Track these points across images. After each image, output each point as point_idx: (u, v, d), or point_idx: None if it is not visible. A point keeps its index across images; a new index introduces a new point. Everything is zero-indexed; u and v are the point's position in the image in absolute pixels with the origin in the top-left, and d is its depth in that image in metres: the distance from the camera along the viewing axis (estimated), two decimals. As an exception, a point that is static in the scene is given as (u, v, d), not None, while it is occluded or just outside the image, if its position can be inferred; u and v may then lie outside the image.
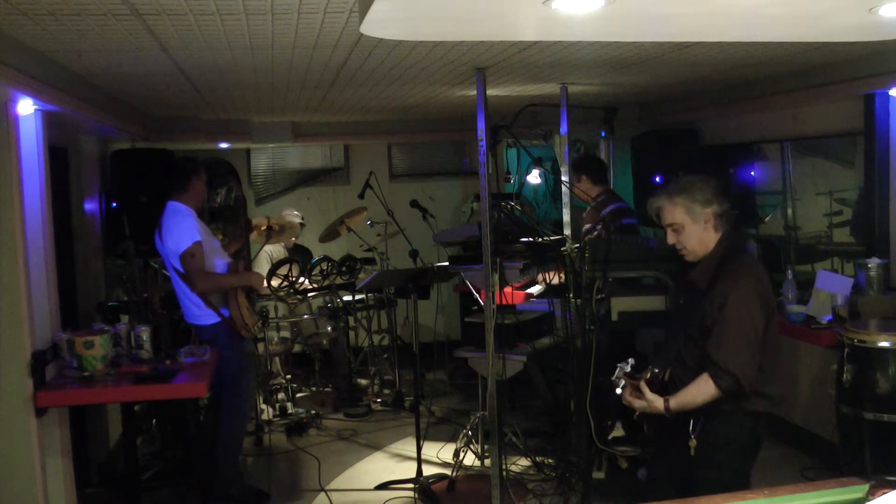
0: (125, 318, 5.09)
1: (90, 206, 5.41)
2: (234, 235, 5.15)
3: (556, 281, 4.66)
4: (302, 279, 6.52)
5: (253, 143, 7.45)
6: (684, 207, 3.04)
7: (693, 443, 2.94)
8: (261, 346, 6.24)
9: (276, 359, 6.95)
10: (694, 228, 3.04)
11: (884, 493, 2.00)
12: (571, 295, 4.50)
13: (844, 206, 5.58)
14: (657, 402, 2.94)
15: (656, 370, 3.04)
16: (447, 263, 5.22)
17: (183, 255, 4.45)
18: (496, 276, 4.24)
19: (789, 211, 6.08)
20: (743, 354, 2.85)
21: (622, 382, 2.99)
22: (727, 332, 2.87)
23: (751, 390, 2.88)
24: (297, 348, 7.07)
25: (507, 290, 4.81)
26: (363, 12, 2.11)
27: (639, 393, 2.99)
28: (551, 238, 4.61)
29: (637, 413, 3.07)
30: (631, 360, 2.99)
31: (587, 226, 5.15)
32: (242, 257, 4.95)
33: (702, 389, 2.88)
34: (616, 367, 3.04)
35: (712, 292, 2.94)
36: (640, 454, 4.47)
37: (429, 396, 6.82)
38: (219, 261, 4.71)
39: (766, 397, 2.95)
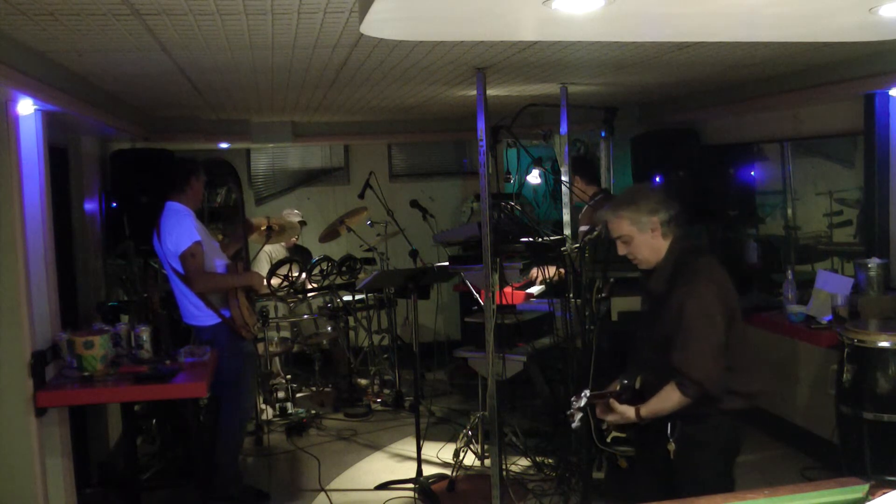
0: (125, 318, 5.09)
1: (90, 206, 5.40)
2: (234, 237, 5.15)
3: (555, 277, 4.66)
4: (302, 275, 6.52)
5: (253, 143, 7.45)
6: (629, 219, 3.03)
7: (672, 446, 2.94)
8: (261, 346, 6.24)
9: (276, 359, 6.95)
10: (642, 238, 3.03)
11: (884, 493, 2.00)
12: (571, 295, 4.51)
13: (844, 206, 5.58)
14: (628, 412, 2.94)
15: (625, 381, 3.04)
16: (447, 263, 5.22)
17: (183, 255, 4.45)
18: (496, 276, 4.24)
19: (789, 211, 6.08)
20: (706, 361, 2.83)
21: (579, 415, 2.98)
22: (687, 340, 2.85)
23: (719, 393, 2.86)
24: (297, 348, 7.07)
25: (507, 290, 4.82)
26: (363, 12, 2.11)
27: (609, 408, 2.99)
28: (551, 238, 4.62)
29: (606, 425, 3.08)
30: (586, 392, 2.98)
31: (584, 227, 5.15)
32: (241, 258, 4.96)
33: (669, 398, 2.88)
34: (571, 401, 3.04)
35: (670, 299, 2.94)
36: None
37: (429, 396, 6.82)
38: (218, 261, 4.71)
39: (740, 395, 2.94)
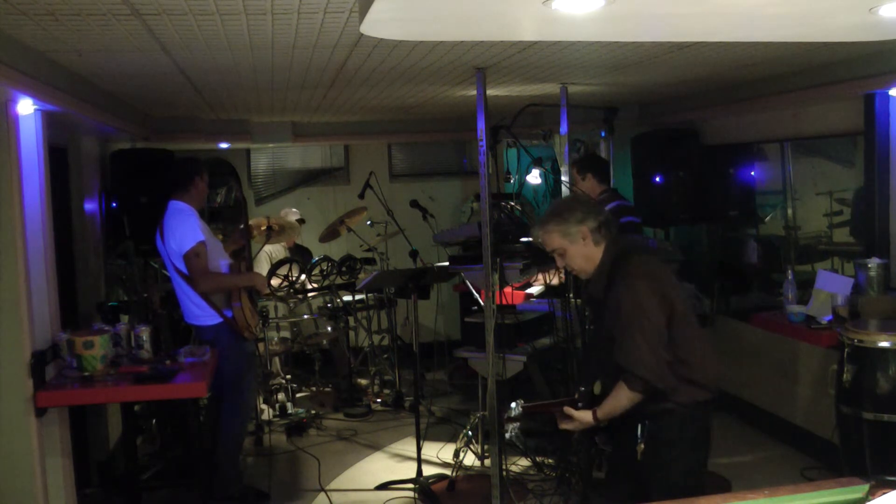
0: (125, 318, 5.09)
1: (90, 206, 5.40)
2: (234, 237, 5.15)
3: (555, 281, 4.67)
4: (302, 276, 6.52)
5: (253, 143, 7.45)
6: (559, 232, 3.06)
7: (641, 447, 2.94)
8: (261, 346, 6.24)
9: (276, 359, 6.94)
10: (575, 248, 3.05)
11: (884, 493, 2.00)
12: (571, 295, 4.51)
13: (844, 206, 5.58)
14: (586, 416, 2.96)
15: (582, 388, 3.05)
16: (447, 263, 5.22)
17: (187, 255, 4.45)
18: (496, 276, 4.24)
19: (789, 211, 6.08)
20: (647, 355, 2.84)
21: (511, 426, 2.99)
22: (627, 337, 2.87)
23: (667, 385, 2.87)
24: (297, 348, 7.07)
25: (507, 290, 4.81)
26: (363, 12, 2.11)
27: (566, 417, 3.00)
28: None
29: (575, 435, 3.10)
30: (519, 401, 2.99)
31: None
32: (244, 258, 4.96)
33: (620, 396, 2.89)
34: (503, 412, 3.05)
35: (608, 300, 2.97)
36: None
37: (429, 396, 6.82)
38: (222, 261, 4.71)
39: (698, 385, 2.94)
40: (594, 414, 2.95)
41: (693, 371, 2.93)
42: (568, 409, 2.99)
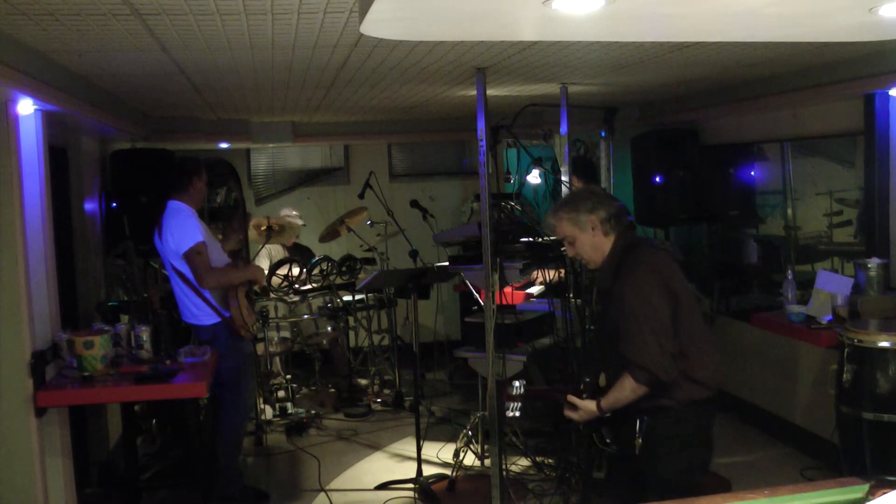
0: (125, 318, 5.09)
1: (90, 206, 5.41)
2: (231, 230, 5.15)
3: (554, 279, 4.66)
4: (302, 273, 6.52)
5: (253, 143, 7.45)
6: (570, 220, 3.12)
7: (638, 442, 2.97)
8: (261, 346, 6.24)
9: (276, 359, 6.95)
10: (584, 237, 3.11)
11: (884, 493, 2.00)
12: (571, 295, 4.51)
13: (844, 206, 5.58)
14: (590, 405, 3.00)
15: (587, 379, 3.09)
16: (447, 263, 5.22)
17: (188, 254, 4.45)
18: (496, 276, 4.24)
19: (789, 211, 6.08)
20: (651, 347, 2.86)
21: (513, 404, 3.03)
22: (631, 328, 2.90)
23: (669, 378, 2.88)
24: (297, 348, 7.07)
25: (507, 290, 4.82)
26: (363, 12, 2.11)
27: (572, 406, 3.04)
28: (551, 238, 4.61)
29: (580, 427, 3.15)
30: (522, 381, 3.03)
31: None
32: (242, 257, 4.96)
33: (624, 386, 2.92)
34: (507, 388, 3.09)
35: (614, 292, 3.00)
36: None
37: (429, 396, 6.82)
38: (221, 261, 4.70)
39: (699, 383, 2.96)
40: (598, 404, 2.97)
41: (693, 367, 2.94)
42: (571, 398, 3.02)
